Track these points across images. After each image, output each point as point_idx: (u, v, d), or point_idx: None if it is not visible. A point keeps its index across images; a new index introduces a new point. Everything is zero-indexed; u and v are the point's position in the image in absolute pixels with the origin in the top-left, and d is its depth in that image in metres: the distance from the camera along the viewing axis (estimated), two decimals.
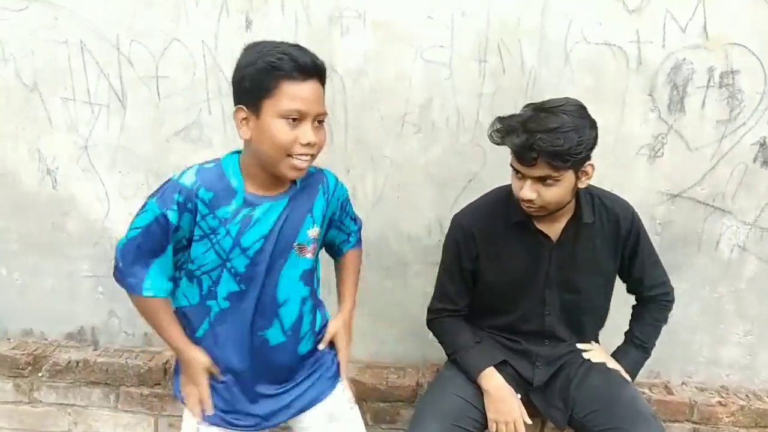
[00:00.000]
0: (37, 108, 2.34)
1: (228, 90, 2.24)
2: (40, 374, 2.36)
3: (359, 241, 1.76)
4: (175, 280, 1.46)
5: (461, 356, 1.84)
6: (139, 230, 1.37)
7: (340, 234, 1.68)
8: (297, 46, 1.34)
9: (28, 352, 2.40)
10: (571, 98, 1.59)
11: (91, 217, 2.44)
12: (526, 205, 1.62)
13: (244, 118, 1.33)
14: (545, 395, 1.87)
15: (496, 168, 2.25)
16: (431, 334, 2.47)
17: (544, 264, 1.77)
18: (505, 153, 2.16)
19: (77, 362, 2.33)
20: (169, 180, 1.39)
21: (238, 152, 1.44)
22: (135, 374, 2.30)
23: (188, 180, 1.36)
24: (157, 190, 1.39)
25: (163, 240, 1.37)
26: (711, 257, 2.37)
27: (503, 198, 1.79)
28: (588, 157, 1.58)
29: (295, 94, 1.27)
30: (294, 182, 1.44)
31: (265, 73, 1.27)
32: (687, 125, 2.22)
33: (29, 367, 2.36)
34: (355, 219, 1.73)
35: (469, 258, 1.82)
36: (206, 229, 1.37)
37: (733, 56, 2.15)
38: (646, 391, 2.32)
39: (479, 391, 1.81)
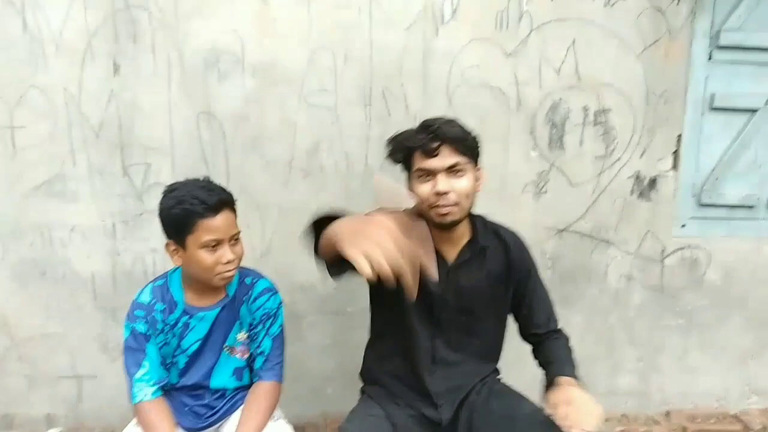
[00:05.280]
0: None
1: (94, 140, 2.10)
2: None
3: (278, 376, 1.80)
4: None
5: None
6: (125, 348, 1.69)
7: (257, 349, 1.78)
8: (206, 187, 1.60)
9: None
10: None
11: None
12: (442, 203, 1.58)
13: (174, 250, 1.62)
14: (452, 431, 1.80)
15: None
16: (331, 388, 2.37)
17: (440, 286, 1.71)
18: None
19: None
20: (133, 302, 1.71)
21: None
22: None
23: (145, 298, 1.70)
24: (127, 314, 1.70)
25: (139, 351, 1.68)
26: (600, 288, 2.44)
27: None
28: (478, 159, 1.64)
29: (210, 227, 1.56)
30: (227, 293, 1.73)
31: (183, 217, 1.55)
32: (567, 162, 2.30)
33: None
34: (275, 344, 1.79)
35: None
36: (161, 331, 1.70)
37: (604, 95, 2.26)
38: None
39: None
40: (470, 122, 2.13)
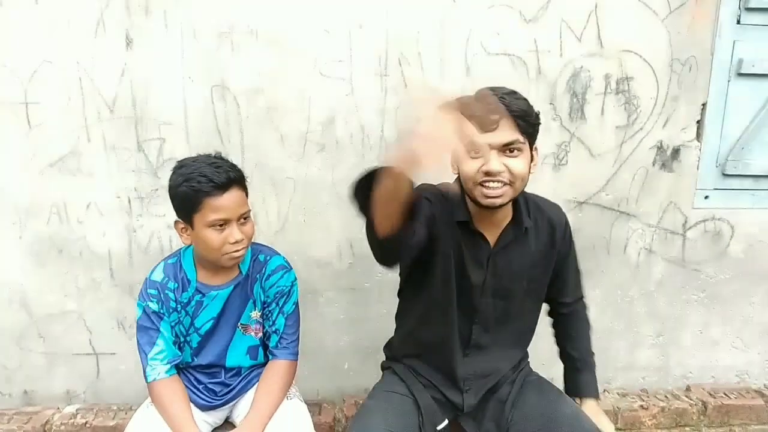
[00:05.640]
0: None
1: (108, 115, 2.08)
2: None
3: (293, 354, 1.77)
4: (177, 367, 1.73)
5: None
6: (137, 327, 1.67)
7: (271, 327, 1.75)
8: (214, 164, 1.54)
9: None
10: None
11: None
12: (491, 184, 1.42)
13: (182, 228, 1.59)
14: (476, 419, 1.76)
15: None
16: (347, 363, 2.36)
17: (481, 269, 1.63)
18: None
19: None
20: (145, 279, 1.68)
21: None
22: None
23: (158, 276, 1.67)
24: (140, 292, 1.69)
25: (152, 329, 1.66)
26: (620, 261, 2.40)
27: (449, 194, 1.61)
28: (536, 139, 1.50)
29: (216, 206, 1.51)
30: (240, 271, 1.69)
31: (190, 195, 1.51)
32: (588, 132, 2.25)
33: None
34: (288, 322, 1.75)
35: (429, 209, 1.53)
36: (174, 309, 1.68)
37: (626, 63, 2.20)
38: None
39: (410, 424, 1.66)
40: None
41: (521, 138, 1.41)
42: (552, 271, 1.74)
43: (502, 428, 1.69)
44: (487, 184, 1.42)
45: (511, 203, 1.56)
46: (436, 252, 1.60)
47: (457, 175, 1.53)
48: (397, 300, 1.83)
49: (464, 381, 1.72)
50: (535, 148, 1.51)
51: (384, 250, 1.37)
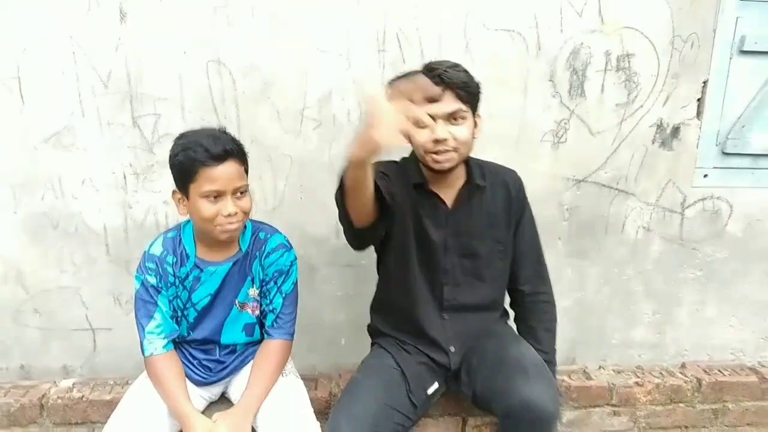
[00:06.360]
0: None
1: (103, 90, 2.05)
2: None
3: (289, 334, 1.77)
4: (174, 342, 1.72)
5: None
6: (135, 300, 1.69)
7: (268, 306, 1.75)
8: (213, 135, 1.55)
9: None
10: None
11: None
12: (440, 150, 1.58)
13: (179, 199, 1.60)
14: (457, 376, 1.81)
15: None
16: (344, 339, 2.37)
17: (441, 229, 1.74)
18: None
19: None
20: (144, 253, 1.69)
21: None
22: (3, 414, 2.01)
23: (157, 250, 1.67)
24: (138, 265, 1.69)
25: (150, 303, 1.66)
26: (618, 240, 2.40)
27: (406, 161, 1.80)
28: (478, 105, 1.65)
29: (211, 177, 1.51)
30: (240, 248, 1.70)
31: (186, 164, 1.52)
32: (588, 110, 2.23)
33: None
34: (286, 302, 1.75)
35: (385, 180, 1.64)
36: (172, 284, 1.68)
37: (627, 40, 2.17)
38: (566, 378, 2.30)
39: (398, 393, 1.70)
40: (488, 68, 2.09)
41: (464, 107, 1.57)
42: (513, 230, 1.83)
43: (472, 376, 1.76)
44: (436, 150, 1.58)
45: (464, 167, 1.73)
46: (396, 218, 1.72)
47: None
48: None
49: (446, 342, 1.79)
50: (478, 115, 1.65)
51: (360, 238, 1.64)
